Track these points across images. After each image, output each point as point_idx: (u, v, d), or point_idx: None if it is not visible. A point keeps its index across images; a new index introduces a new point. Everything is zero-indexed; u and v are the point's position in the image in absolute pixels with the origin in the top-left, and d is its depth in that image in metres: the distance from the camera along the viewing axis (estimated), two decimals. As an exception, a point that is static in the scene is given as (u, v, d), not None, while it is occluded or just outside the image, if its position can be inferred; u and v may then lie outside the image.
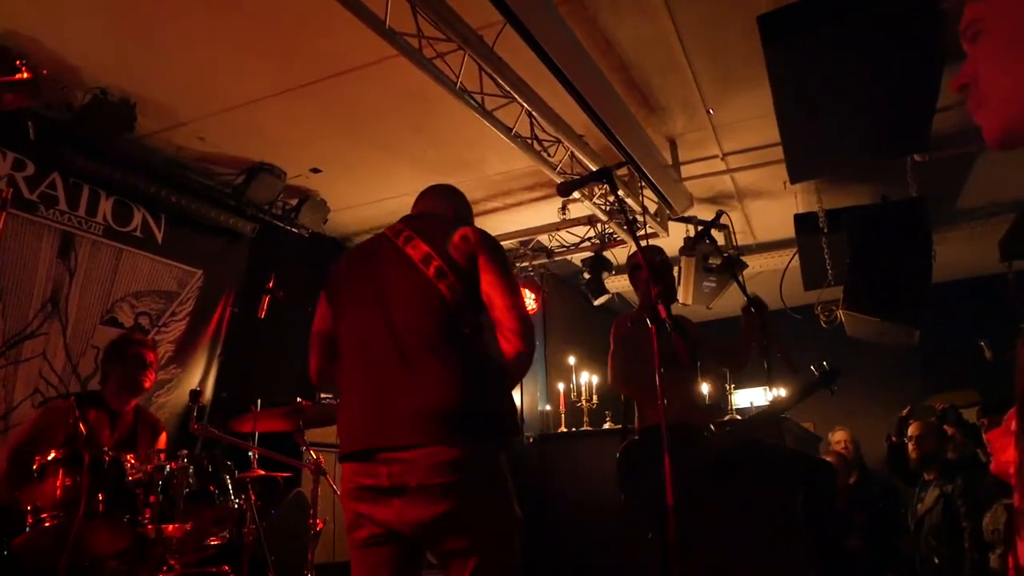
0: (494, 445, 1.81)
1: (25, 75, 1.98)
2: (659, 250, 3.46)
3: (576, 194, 4.47)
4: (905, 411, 4.98)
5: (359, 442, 1.78)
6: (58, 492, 2.47)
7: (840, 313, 4.62)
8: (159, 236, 4.51)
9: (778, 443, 3.56)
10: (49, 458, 2.53)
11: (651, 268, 3.19)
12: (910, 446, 4.67)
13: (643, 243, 2.40)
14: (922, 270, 4.25)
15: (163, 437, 3.40)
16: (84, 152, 3.99)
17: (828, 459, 5.14)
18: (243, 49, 3.53)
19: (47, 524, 2.44)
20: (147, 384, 3.26)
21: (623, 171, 4.58)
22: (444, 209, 2.16)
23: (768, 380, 3.47)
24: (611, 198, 4.90)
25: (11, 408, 3.66)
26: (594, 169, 4.09)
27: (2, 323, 3.66)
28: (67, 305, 3.97)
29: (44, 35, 3.38)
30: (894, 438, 4.89)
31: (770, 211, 5.64)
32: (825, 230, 4.81)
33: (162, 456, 2.82)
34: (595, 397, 5.50)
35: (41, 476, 2.52)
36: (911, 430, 4.71)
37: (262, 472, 3.25)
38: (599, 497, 3.21)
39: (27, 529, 2.46)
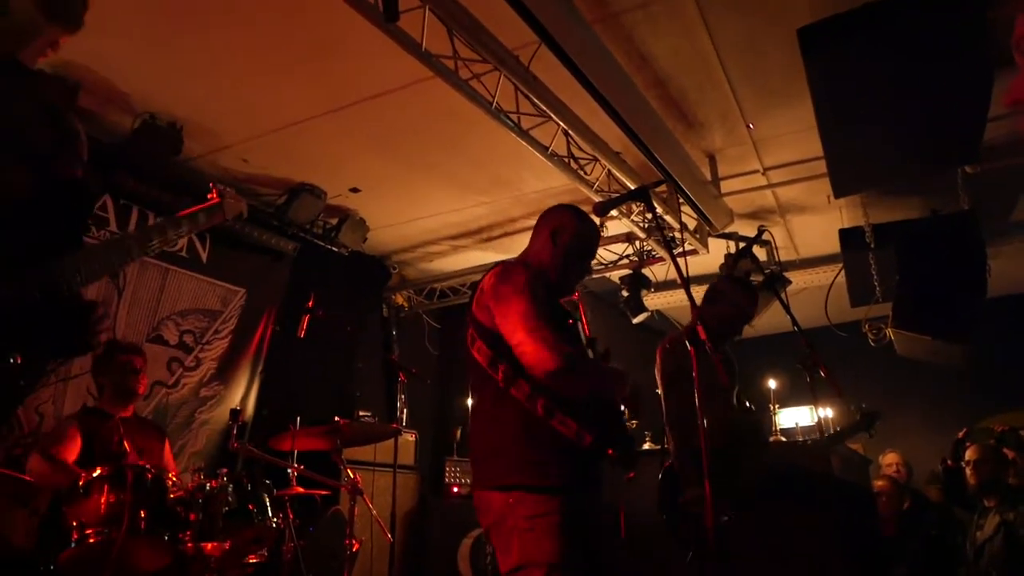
0: (522, 491, 1.87)
1: (215, 198, 2.24)
2: (741, 282, 3.41)
3: (614, 212, 4.43)
4: (962, 433, 4.76)
5: None
6: (102, 508, 2.52)
7: (889, 331, 4.46)
8: (204, 255, 4.62)
9: (817, 470, 3.44)
10: (95, 475, 2.59)
11: (716, 293, 3.16)
12: (968, 471, 4.46)
13: (681, 260, 2.37)
14: (976, 285, 4.09)
15: (167, 444, 3.44)
16: (134, 175, 4.11)
17: (880, 483, 4.96)
18: (285, 73, 3.61)
19: (91, 540, 2.49)
20: (140, 390, 3.30)
21: (662, 187, 4.53)
22: (539, 241, 2.23)
23: (814, 400, 3.37)
24: (649, 215, 4.84)
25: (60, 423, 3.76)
26: (632, 186, 4.05)
27: (54, 341, 3.77)
28: (115, 323, 4.08)
29: (96, 64, 3.51)
30: (950, 461, 4.68)
31: (814, 226, 5.50)
32: (872, 245, 4.65)
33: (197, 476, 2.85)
34: (634, 416, 5.39)
35: (87, 492, 2.57)
36: (968, 454, 4.49)
37: (301, 490, 3.28)
38: (638, 517, 3.15)
39: (72, 544, 2.51)
